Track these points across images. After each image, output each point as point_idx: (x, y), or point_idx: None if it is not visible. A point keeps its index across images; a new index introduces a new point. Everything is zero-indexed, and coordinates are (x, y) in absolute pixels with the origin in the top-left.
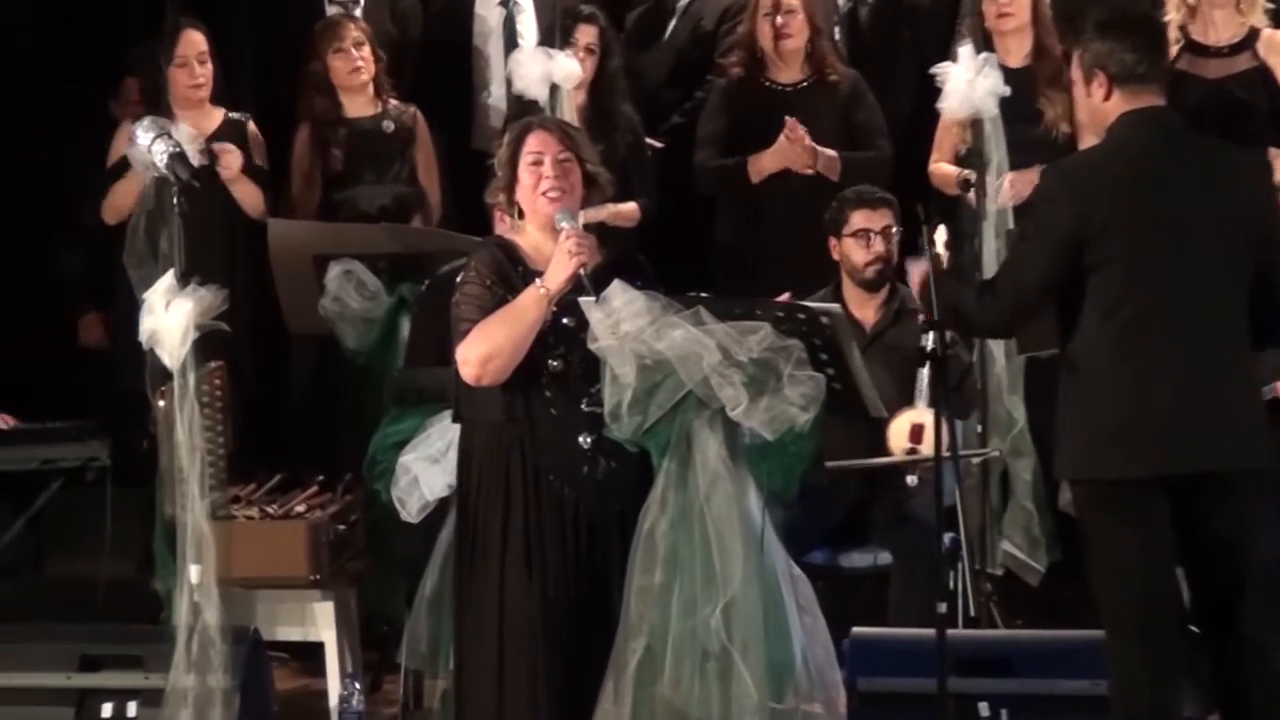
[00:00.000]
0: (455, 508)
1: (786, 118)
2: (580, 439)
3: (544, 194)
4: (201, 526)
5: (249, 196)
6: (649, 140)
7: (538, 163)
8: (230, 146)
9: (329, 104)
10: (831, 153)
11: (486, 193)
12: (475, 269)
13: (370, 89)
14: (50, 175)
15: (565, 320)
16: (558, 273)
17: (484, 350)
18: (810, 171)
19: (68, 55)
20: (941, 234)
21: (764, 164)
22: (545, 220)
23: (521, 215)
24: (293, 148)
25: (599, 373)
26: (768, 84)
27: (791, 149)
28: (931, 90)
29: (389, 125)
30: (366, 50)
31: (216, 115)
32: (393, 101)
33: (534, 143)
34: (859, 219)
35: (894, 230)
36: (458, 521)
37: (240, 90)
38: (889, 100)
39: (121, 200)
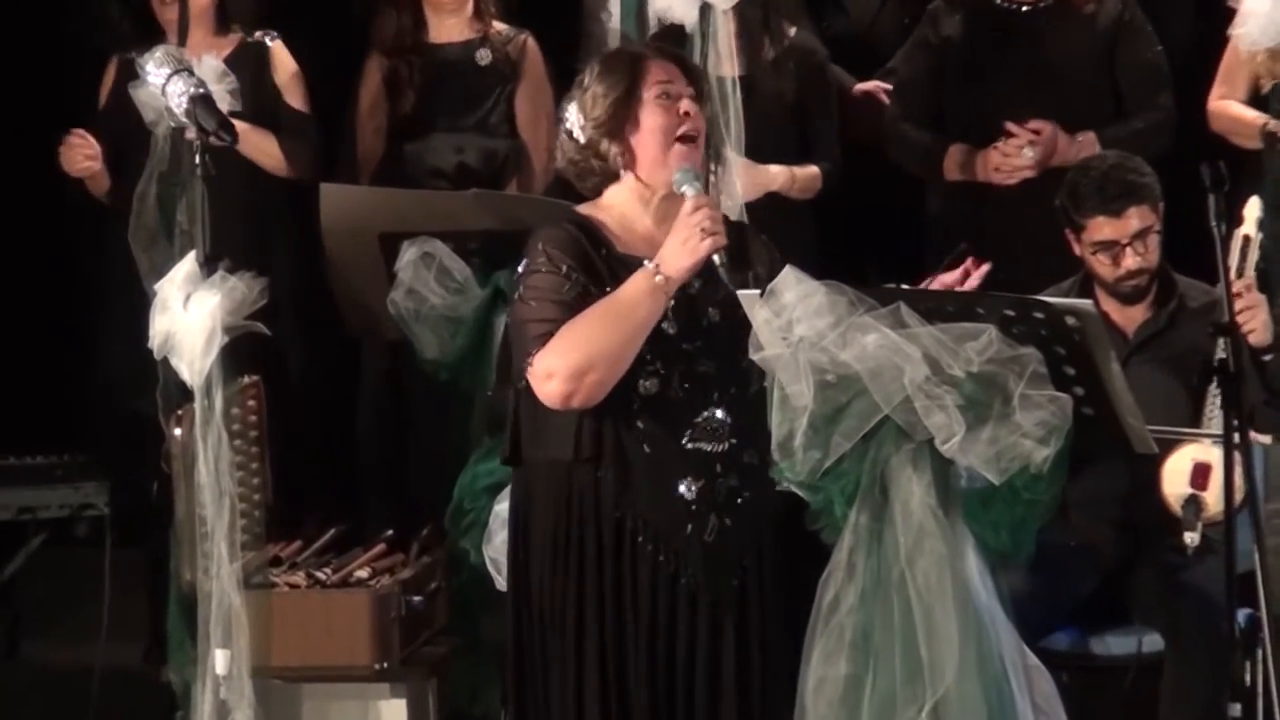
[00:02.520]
0: (508, 583)
1: (1007, 125)
2: (681, 487)
3: (682, 139)
4: (231, 598)
5: (260, 150)
6: (876, 85)
7: (670, 96)
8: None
9: (409, 24)
10: (1085, 138)
11: (561, 150)
12: (544, 253)
13: (468, 7)
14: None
15: (663, 325)
16: (681, 255)
17: (578, 359)
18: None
19: None
20: (1254, 208)
21: (963, 167)
22: (665, 180)
23: (612, 178)
24: (359, 82)
25: (705, 397)
26: (997, 2)
27: (1005, 165)
28: (1221, 11)
29: (484, 55)
30: None
31: (226, 41)
32: (498, 27)
33: (660, 72)
34: (1100, 229)
35: (1155, 232)
36: (510, 604)
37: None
38: (1163, 24)
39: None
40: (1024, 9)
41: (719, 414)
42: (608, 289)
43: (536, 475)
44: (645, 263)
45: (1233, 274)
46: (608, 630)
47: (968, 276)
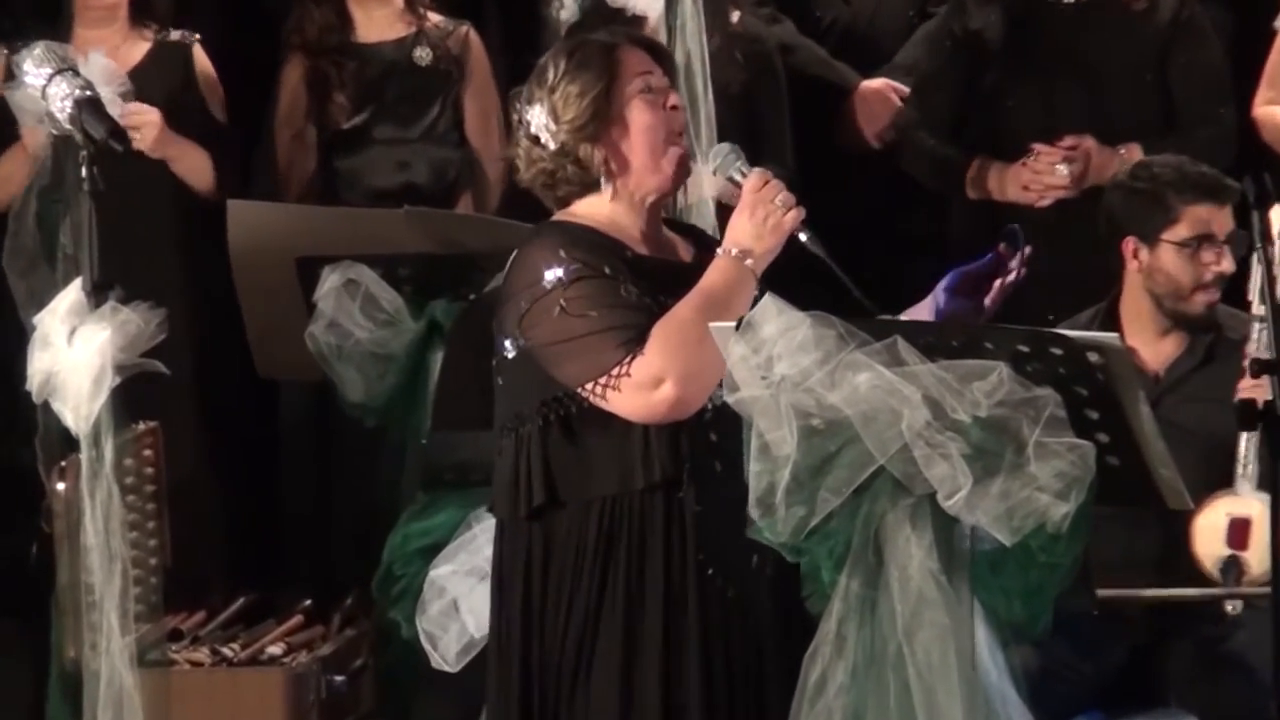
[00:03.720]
0: (500, 658)
1: (1035, 146)
2: (750, 510)
3: (677, 137)
4: (122, 677)
5: (195, 169)
6: (886, 84)
7: (653, 89)
8: (141, 107)
9: (332, 22)
10: (1129, 152)
11: (527, 157)
12: (574, 259)
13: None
14: None
15: None
16: (764, 235)
17: (689, 359)
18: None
19: None
20: None
21: (982, 184)
22: (661, 184)
23: (591, 187)
24: (278, 91)
25: None
26: None
27: (1035, 184)
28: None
29: (424, 55)
30: None
31: (139, 40)
32: (433, 19)
33: (638, 61)
34: (1201, 219)
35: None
36: (513, 678)
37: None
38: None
39: (6, 182)
40: (1065, 2)
41: None
42: (663, 298)
43: (563, 522)
44: (718, 251)
45: (1256, 296)
46: (686, 682)
47: (1001, 265)
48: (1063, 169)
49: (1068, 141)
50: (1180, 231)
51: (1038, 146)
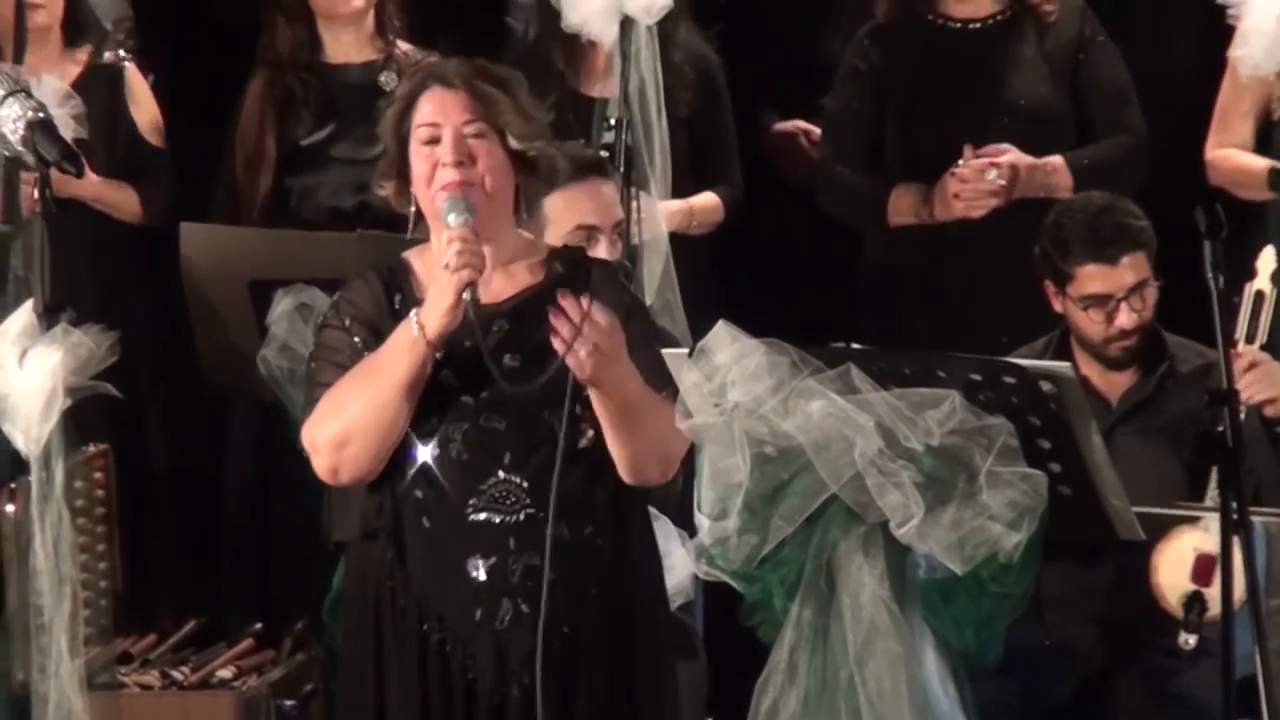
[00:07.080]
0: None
1: (966, 148)
2: (470, 566)
3: (442, 189)
4: (72, 701)
5: (116, 206)
6: (795, 126)
7: (434, 140)
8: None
9: (303, 40)
10: (1052, 163)
11: (374, 180)
12: (336, 304)
13: (369, 23)
14: None
15: (443, 375)
16: (437, 301)
17: (335, 428)
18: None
19: None
20: (1270, 260)
21: (916, 208)
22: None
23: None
24: (241, 105)
25: (494, 459)
26: (939, 22)
27: (966, 192)
28: (1219, 31)
29: (388, 79)
30: None
31: (71, 64)
32: (402, 46)
33: (428, 108)
34: (1091, 279)
35: (1152, 285)
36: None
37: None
38: (1157, 47)
39: None
40: (971, 26)
41: (513, 479)
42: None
43: (347, 559)
44: (413, 313)
45: (1242, 333)
46: None
47: None
48: (992, 174)
49: (991, 148)
50: (1076, 291)
51: (968, 149)
